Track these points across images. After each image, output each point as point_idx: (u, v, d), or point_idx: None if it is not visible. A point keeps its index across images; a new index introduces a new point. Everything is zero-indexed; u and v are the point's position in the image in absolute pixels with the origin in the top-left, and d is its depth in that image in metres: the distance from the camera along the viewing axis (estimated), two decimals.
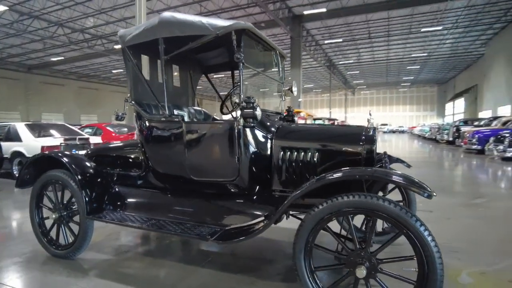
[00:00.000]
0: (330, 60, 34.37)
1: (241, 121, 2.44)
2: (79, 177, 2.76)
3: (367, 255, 1.87)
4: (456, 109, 40.26)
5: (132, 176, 2.97)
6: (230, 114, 3.31)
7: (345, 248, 1.94)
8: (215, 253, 3.11)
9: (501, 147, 10.93)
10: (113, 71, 34.77)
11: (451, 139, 17.93)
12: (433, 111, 56.60)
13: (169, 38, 2.57)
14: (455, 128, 17.65)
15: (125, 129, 9.89)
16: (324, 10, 18.88)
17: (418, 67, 38.44)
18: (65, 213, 2.96)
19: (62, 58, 28.62)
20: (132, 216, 2.73)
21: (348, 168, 2.04)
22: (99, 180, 2.91)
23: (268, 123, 2.62)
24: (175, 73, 3.69)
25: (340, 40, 26.22)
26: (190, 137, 2.58)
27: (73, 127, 8.04)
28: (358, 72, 41.80)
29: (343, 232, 2.84)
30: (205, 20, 2.45)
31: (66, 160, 2.83)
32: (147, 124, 2.74)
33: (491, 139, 11.84)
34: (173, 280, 2.53)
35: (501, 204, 4.96)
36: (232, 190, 2.58)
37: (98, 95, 39.11)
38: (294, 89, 3.43)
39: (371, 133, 2.38)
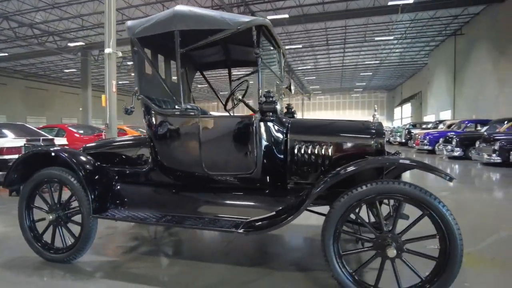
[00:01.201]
0: (289, 65, 35.33)
1: (258, 115, 2.50)
2: (84, 174, 2.61)
3: (394, 236, 2.02)
4: (404, 114, 43.45)
5: (137, 173, 2.87)
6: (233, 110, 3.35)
7: (373, 232, 2.07)
8: (222, 249, 3.10)
9: (449, 147, 12.05)
10: (65, 71, 32.51)
11: (403, 140, 19.38)
12: (383, 115, 60.38)
13: (184, 31, 2.55)
14: (407, 130, 19.12)
15: (90, 131, 9.35)
16: (286, 16, 19.43)
17: (371, 73, 40.89)
18: (63, 213, 2.77)
19: (6, 54, 26.18)
20: (143, 213, 2.64)
21: (373, 157, 2.19)
22: (102, 177, 2.77)
23: (284, 118, 2.70)
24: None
25: (300, 46, 27.09)
26: (206, 131, 2.57)
27: (34, 128, 7.43)
28: (314, 77, 43.38)
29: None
30: (224, 14, 2.47)
31: (68, 156, 2.67)
32: (159, 118, 2.67)
33: (441, 140, 13.03)
34: (190, 277, 2.49)
35: (460, 196, 5.52)
36: (248, 183, 2.61)
37: (47, 96, 36.22)
38: (292, 87, 3.55)
39: (380, 127, 2.57)
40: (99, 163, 2.85)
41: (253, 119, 2.50)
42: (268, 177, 2.59)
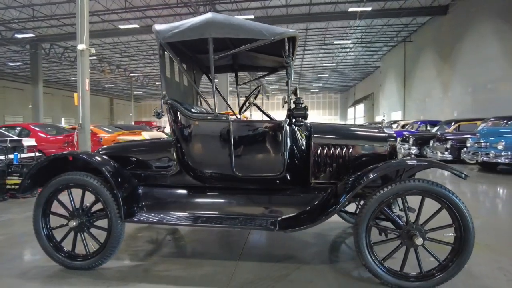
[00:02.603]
0: None
1: (287, 120, 2.69)
2: (114, 179, 2.59)
3: (418, 227, 2.33)
4: (357, 114, 46.00)
5: (161, 175, 2.90)
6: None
7: (399, 224, 2.37)
8: (241, 248, 3.23)
9: (406, 145, 13.15)
10: (10, 64, 29.66)
11: None
12: (337, 115, 63.36)
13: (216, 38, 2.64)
14: None
15: (55, 131, 8.78)
16: (252, 17, 19.66)
17: (327, 75, 42.69)
18: (86, 219, 2.72)
19: None
20: (173, 215, 2.70)
21: (400, 159, 2.48)
22: (128, 181, 2.77)
23: (308, 123, 2.91)
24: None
25: None
26: (237, 136, 2.69)
27: None
28: (274, 78, 44.25)
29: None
30: (258, 25, 2.62)
31: (96, 161, 2.63)
32: (190, 123, 2.73)
33: (398, 139, 14.12)
34: (226, 275, 2.59)
35: None
36: (275, 184, 2.78)
37: None
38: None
39: (392, 132, 2.89)
40: (123, 167, 2.84)
41: (283, 123, 2.68)
42: (293, 178, 2.78)
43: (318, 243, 3.38)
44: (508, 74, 14.96)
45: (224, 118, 2.70)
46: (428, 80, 22.86)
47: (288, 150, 2.67)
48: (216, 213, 2.70)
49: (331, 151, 2.80)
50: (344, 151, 2.79)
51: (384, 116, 3.08)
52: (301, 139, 2.80)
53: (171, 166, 2.89)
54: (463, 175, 2.31)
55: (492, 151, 8.24)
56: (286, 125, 2.68)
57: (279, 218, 2.62)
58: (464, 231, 2.26)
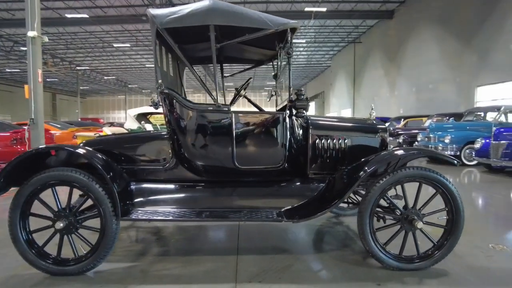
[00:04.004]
0: None
1: (287, 112, 2.70)
2: (110, 174, 2.39)
3: (416, 212, 2.48)
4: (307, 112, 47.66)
5: (156, 170, 2.74)
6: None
7: (399, 210, 2.50)
8: (236, 242, 3.17)
9: None
10: None
11: None
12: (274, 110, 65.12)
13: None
14: None
15: None
16: None
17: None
18: (75, 219, 2.47)
19: None
20: (173, 210, 2.57)
21: (398, 149, 2.61)
22: (121, 176, 2.58)
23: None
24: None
25: None
26: (238, 127, 2.63)
27: None
28: (229, 74, 44.07)
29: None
30: (261, 14, 2.58)
31: (87, 155, 2.40)
32: (189, 113, 2.61)
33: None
34: (230, 270, 2.52)
35: None
36: (275, 175, 2.78)
37: None
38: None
39: (382, 124, 3.03)
40: (114, 162, 2.63)
41: (284, 115, 2.68)
42: (292, 169, 2.80)
43: (308, 233, 3.45)
44: (446, 76, 16.54)
45: (226, 109, 2.63)
46: (376, 80, 24.41)
47: (290, 142, 2.69)
48: (219, 207, 2.62)
49: (328, 143, 2.87)
50: (340, 143, 2.88)
51: (372, 109, 3.21)
52: (299, 131, 2.83)
53: (166, 160, 2.75)
54: (455, 162, 2.51)
55: (440, 144, 9.06)
56: (287, 116, 2.68)
57: (282, 209, 2.63)
58: (456, 213, 2.46)
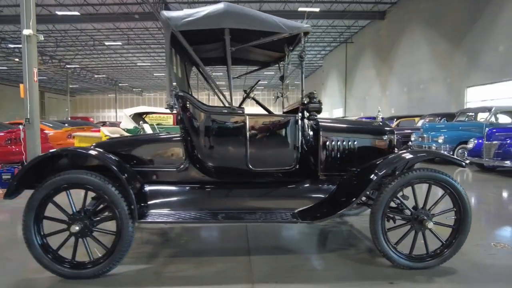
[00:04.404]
0: None
1: (300, 114, 2.75)
2: (126, 177, 2.39)
3: (426, 212, 2.56)
4: None
5: (169, 172, 2.75)
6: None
7: (410, 210, 2.57)
8: (244, 242, 3.20)
9: None
10: None
11: None
12: (280, 111, 65.33)
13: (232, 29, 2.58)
14: None
15: None
16: None
17: (273, 73, 43.62)
18: (90, 222, 2.47)
19: None
20: (188, 213, 2.58)
21: (407, 151, 2.68)
22: (137, 179, 2.59)
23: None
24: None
25: None
26: (252, 129, 2.67)
27: None
28: (221, 73, 43.99)
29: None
30: (275, 18, 2.62)
31: (104, 157, 2.40)
32: (204, 116, 2.63)
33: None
34: (244, 270, 2.56)
35: None
36: (287, 177, 2.82)
37: None
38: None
39: (390, 126, 3.10)
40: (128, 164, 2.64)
41: (297, 117, 2.72)
42: (303, 171, 2.85)
43: (314, 233, 3.51)
44: (436, 76, 16.85)
45: (240, 111, 2.65)
46: (368, 80, 24.69)
47: (302, 144, 2.74)
48: (233, 208, 2.65)
49: (338, 145, 2.92)
50: (349, 144, 2.94)
51: (379, 111, 3.29)
52: (312, 134, 2.88)
53: (179, 162, 2.76)
54: (463, 164, 2.59)
55: (434, 144, 9.24)
56: (300, 119, 2.73)
57: (296, 210, 2.67)
58: (464, 213, 2.54)
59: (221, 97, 3.14)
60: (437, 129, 9.75)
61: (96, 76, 38.32)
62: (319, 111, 2.70)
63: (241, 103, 3.44)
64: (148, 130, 7.42)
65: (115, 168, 2.38)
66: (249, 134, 2.66)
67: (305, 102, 2.72)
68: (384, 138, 3.00)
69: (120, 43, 25.96)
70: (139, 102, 50.75)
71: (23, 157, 6.63)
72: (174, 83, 2.62)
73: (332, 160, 2.92)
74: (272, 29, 2.60)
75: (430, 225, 2.49)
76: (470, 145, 8.10)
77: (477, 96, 14.51)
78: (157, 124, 9.69)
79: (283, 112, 3.55)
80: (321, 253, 2.95)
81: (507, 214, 4.55)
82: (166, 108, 2.62)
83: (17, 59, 26.84)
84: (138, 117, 9.38)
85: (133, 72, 38.57)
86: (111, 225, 2.51)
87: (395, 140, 3.05)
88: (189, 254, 2.93)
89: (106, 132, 7.11)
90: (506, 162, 6.96)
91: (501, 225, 3.97)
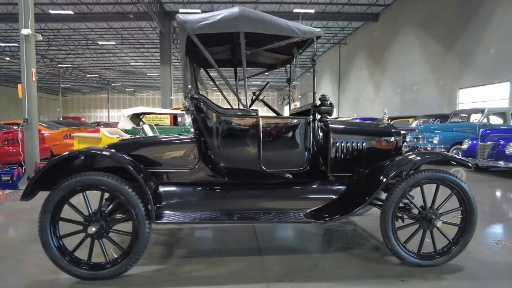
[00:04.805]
0: None
1: (311, 116, 2.81)
2: (143, 178, 2.42)
3: (434, 211, 2.64)
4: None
5: (181, 173, 2.79)
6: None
7: (418, 209, 2.65)
8: (253, 242, 3.25)
9: None
10: None
11: None
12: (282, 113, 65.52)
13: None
14: None
15: None
16: (198, 11, 19.23)
17: (267, 74, 43.78)
18: (106, 224, 2.48)
19: None
20: (203, 213, 2.62)
21: (414, 152, 2.75)
22: (151, 179, 2.61)
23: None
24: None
25: None
26: (266, 131, 2.72)
27: None
28: (215, 74, 43.89)
29: None
30: (288, 22, 2.67)
31: (118, 158, 2.43)
32: (218, 118, 2.67)
33: None
34: (258, 270, 2.60)
35: None
36: (298, 178, 2.88)
37: None
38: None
39: (396, 128, 3.18)
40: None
41: (308, 119, 2.78)
42: (314, 172, 2.91)
43: (320, 233, 3.57)
44: (430, 78, 17.13)
45: (254, 114, 2.70)
46: (361, 81, 24.94)
47: (314, 145, 2.80)
48: (247, 209, 2.70)
49: (347, 146, 2.99)
50: (358, 146, 3.01)
51: (385, 113, 3.36)
52: (323, 135, 2.94)
53: (193, 163, 2.79)
54: (470, 165, 2.68)
55: (429, 145, 9.42)
56: (311, 121, 2.79)
57: (308, 210, 2.73)
58: (470, 212, 2.63)
59: (231, 99, 3.18)
60: (432, 130, 9.94)
61: (88, 75, 37.92)
62: (330, 113, 2.77)
63: (250, 105, 3.48)
64: (148, 130, 7.40)
65: (133, 170, 2.40)
66: (262, 136, 2.70)
67: (317, 104, 2.78)
68: (391, 140, 3.08)
69: (113, 43, 25.75)
70: (131, 102, 50.37)
71: (21, 158, 6.56)
72: (190, 85, 2.65)
73: (341, 161, 2.98)
74: (286, 33, 2.66)
75: (439, 224, 2.57)
76: (465, 146, 8.28)
77: (469, 98, 14.81)
78: (155, 125, 9.67)
79: (290, 114, 3.61)
80: (330, 252, 3.01)
81: (503, 213, 4.69)
82: (183, 111, 2.64)
83: (7, 58, 26.41)
84: (136, 117, 9.36)
85: (126, 71, 38.26)
86: (123, 226, 2.54)
87: (401, 141, 3.12)
88: (201, 255, 2.97)
89: (105, 133, 7.08)
90: (499, 162, 7.14)
91: (499, 224, 4.09)
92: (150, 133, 7.59)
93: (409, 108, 18.11)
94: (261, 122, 2.70)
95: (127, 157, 2.54)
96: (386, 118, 3.34)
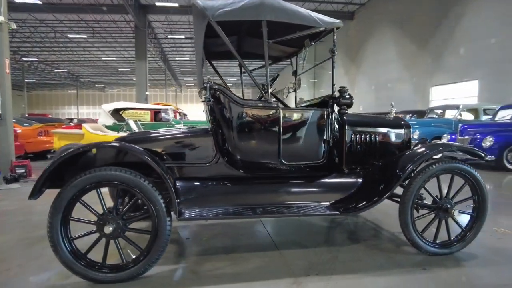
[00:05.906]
0: (165, 56, 34.07)
1: (330, 108, 2.79)
2: (165, 174, 2.29)
3: (449, 201, 2.71)
4: None
5: (199, 167, 2.67)
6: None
7: (435, 199, 2.71)
8: (267, 237, 3.20)
9: None
10: None
11: None
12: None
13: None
14: None
15: None
16: (176, 5, 18.78)
17: (243, 70, 43.60)
18: (122, 222, 2.32)
19: None
20: (225, 208, 2.53)
21: (428, 144, 2.80)
22: (170, 174, 2.49)
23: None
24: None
25: (183, 36, 26.55)
26: (286, 123, 2.66)
27: None
28: (190, 70, 43.17)
29: None
30: (310, 12, 2.62)
31: (141, 153, 2.28)
32: (238, 110, 2.58)
33: None
34: (281, 265, 2.55)
35: None
36: (316, 170, 2.85)
37: None
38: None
39: (406, 122, 3.24)
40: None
41: (328, 111, 2.76)
42: (330, 164, 2.90)
43: (330, 227, 3.58)
44: (403, 75, 17.77)
45: (275, 105, 2.64)
46: (337, 78, 25.43)
47: (332, 137, 2.78)
48: (267, 203, 2.63)
49: (362, 138, 3.00)
50: (372, 138, 3.03)
51: (392, 106, 3.41)
52: (339, 128, 2.93)
53: (210, 156, 2.69)
54: (483, 155, 2.77)
55: None
56: (330, 113, 2.77)
57: (328, 203, 2.71)
58: (482, 201, 2.72)
59: (234, 91, 3.08)
60: (413, 125, 10.30)
61: (56, 70, 35.96)
62: (350, 105, 2.76)
63: (260, 98, 3.41)
64: (133, 125, 7.12)
65: (154, 163, 2.27)
66: (282, 128, 2.65)
67: (336, 96, 2.76)
68: (403, 132, 3.13)
69: (84, 36, 24.57)
70: (101, 99, 48.43)
71: None
72: (208, 76, 2.54)
73: (357, 154, 2.99)
74: (309, 23, 2.61)
75: (456, 213, 2.64)
76: (444, 140, 8.65)
77: (440, 95, 15.53)
78: (134, 121, 9.35)
79: (296, 106, 3.58)
80: (347, 245, 3.01)
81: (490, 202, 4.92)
82: (202, 102, 2.53)
83: None
84: (115, 113, 8.98)
85: (96, 66, 36.69)
86: (137, 225, 2.40)
87: (411, 134, 3.18)
88: (217, 252, 2.87)
89: (88, 129, 6.73)
90: None
91: (490, 213, 4.29)
92: (135, 128, 7.31)
93: (384, 105, 18.69)
94: (281, 113, 2.64)
95: (147, 152, 2.39)
96: (394, 111, 3.39)
